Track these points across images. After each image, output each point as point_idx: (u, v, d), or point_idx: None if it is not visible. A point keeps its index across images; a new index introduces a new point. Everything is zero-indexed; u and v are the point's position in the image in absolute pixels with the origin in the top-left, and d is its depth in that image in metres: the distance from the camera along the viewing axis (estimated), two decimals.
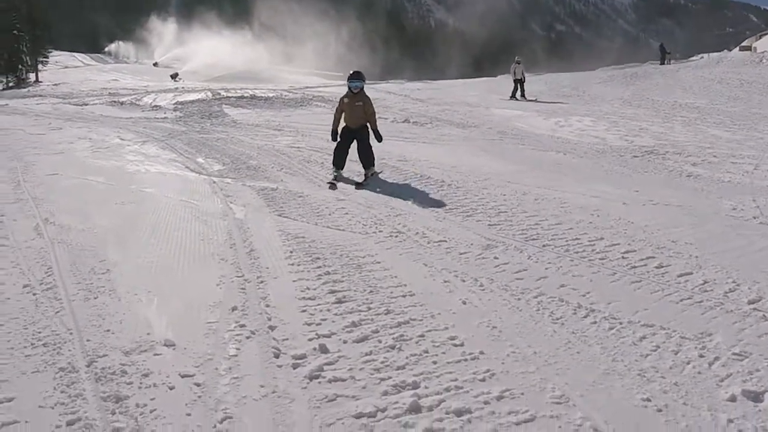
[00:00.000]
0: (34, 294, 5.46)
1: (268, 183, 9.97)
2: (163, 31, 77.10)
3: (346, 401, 3.76)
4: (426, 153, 12.83)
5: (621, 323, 4.77)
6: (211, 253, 6.54)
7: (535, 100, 24.61)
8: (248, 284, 5.63)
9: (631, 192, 9.17)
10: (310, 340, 4.55)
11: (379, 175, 10.46)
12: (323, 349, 4.38)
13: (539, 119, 18.77)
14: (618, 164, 11.69)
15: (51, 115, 22.11)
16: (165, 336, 4.61)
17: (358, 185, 9.80)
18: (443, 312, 4.99)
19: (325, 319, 4.89)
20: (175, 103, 24.86)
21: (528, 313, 4.98)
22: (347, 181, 10.00)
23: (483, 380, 3.97)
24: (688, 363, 4.18)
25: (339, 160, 10.56)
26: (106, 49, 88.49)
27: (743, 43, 53.05)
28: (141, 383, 3.99)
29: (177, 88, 33.98)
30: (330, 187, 9.64)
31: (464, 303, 5.18)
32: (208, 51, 59.33)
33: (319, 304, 5.18)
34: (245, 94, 27.27)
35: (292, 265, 6.14)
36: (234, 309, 5.10)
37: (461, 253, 6.44)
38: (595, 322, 4.79)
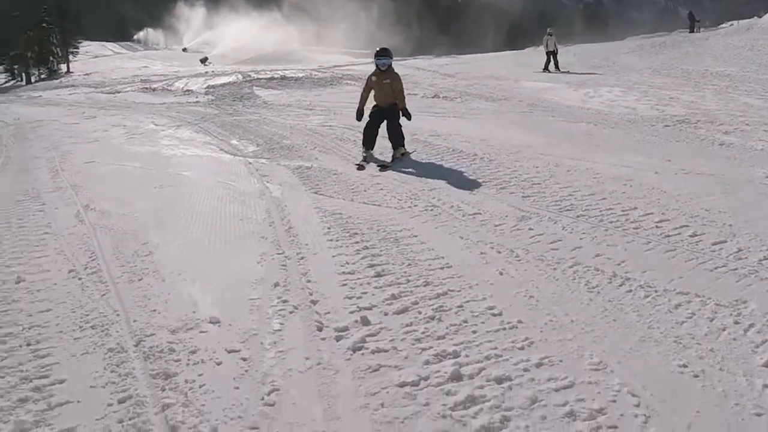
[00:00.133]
0: (80, 279, 5.62)
1: (302, 162, 10.08)
2: (191, 16, 77.13)
3: (389, 371, 3.86)
4: (457, 127, 12.86)
5: (656, 291, 4.80)
6: (251, 231, 6.67)
7: (568, 72, 24.38)
8: (289, 261, 5.75)
9: (663, 161, 9.12)
10: (351, 313, 4.66)
11: (412, 153, 10.34)
12: (365, 322, 4.48)
13: (569, 91, 18.65)
14: (649, 134, 11.63)
15: (84, 104, 22.40)
16: (210, 313, 4.74)
17: (382, 167, 9.52)
18: (480, 283, 5.08)
19: (365, 293, 5.00)
20: (207, 87, 25.04)
21: (564, 282, 5.04)
22: (378, 161, 9.88)
23: (522, 348, 4.05)
24: (724, 330, 4.21)
25: (369, 140, 10.25)
26: (135, 37, 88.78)
27: None
28: (189, 360, 4.11)
29: (207, 72, 34.15)
30: (358, 168, 9.52)
31: (501, 274, 5.25)
32: (237, 34, 59.24)
33: (358, 278, 5.28)
34: (275, 76, 27.37)
35: (331, 240, 6.25)
36: (276, 285, 5.22)
37: (496, 225, 6.50)
38: (630, 291, 4.84)
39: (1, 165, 11.50)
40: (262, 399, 3.64)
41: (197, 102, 20.93)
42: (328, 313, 4.68)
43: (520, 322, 4.39)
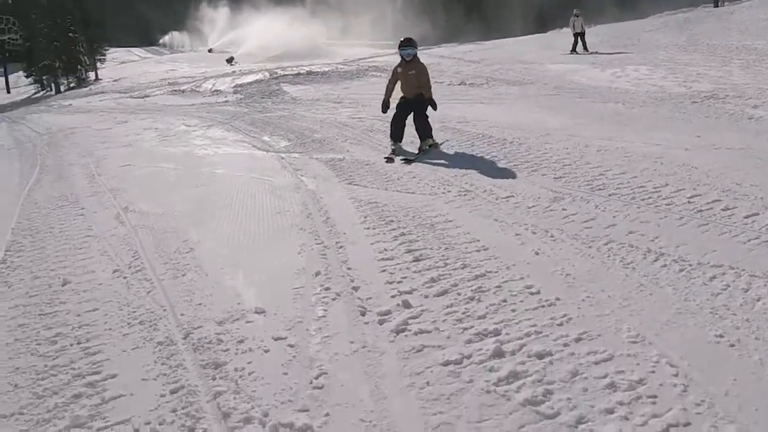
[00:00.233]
0: (125, 277, 5.76)
1: (334, 154, 10.18)
2: (215, 17, 77.24)
3: (433, 351, 3.97)
4: (485, 113, 12.91)
5: (691, 265, 4.87)
6: (289, 224, 6.80)
7: (596, 53, 24.15)
8: (328, 250, 5.87)
9: (692, 138, 9.13)
10: (392, 297, 4.77)
11: (442, 143, 10.23)
12: (406, 305, 4.60)
13: (595, 71, 18.59)
14: (678, 111, 11.61)
15: (115, 110, 22.64)
16: (255, 304, 4.87)
17: (407, 160, 9.32)
18: (517, 263, 5.17)
19: (405, 277, 5.11)
20: (235, 86, 25.21)
21: (599, 259, 5.12)
22: (406, 153, 9.82)
23: (561, 324, 4.14)
24: (758, 300, 4.27)
25: (396, 133, 10.16)
26: (161, 41, 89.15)
27: None
28: (237, 349, 4.24)
29: (234, 72, 34.32)
30: (387, 161, 9.41)
31: (537, 254, 5.34)
32: (261, 32, 59.22)
33: (397, 264, 5.40)
34: (301, 71, 27.49)
35: (368, 229, 6.37)
36: (317, 274, 5.34)
37: (529, 207, 6.58)
38: (665, 265, 4.90)
39: (37, 173, 11.67)
40: (311, 383, 3.76)
41: (226, 101, 21.10)
42: (370, 298, 4.80)
43: (557, 299, 4.49)
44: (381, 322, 4.41)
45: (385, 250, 5.75)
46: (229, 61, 48.43)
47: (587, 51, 25.29)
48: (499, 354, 3.84)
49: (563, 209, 6.42)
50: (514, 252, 5.43)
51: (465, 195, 7.22)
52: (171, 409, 3.63)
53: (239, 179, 9.05)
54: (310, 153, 10.49)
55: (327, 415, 3.44)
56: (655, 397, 3.33)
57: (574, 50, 25.63)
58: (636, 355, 3.72)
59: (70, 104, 27.79)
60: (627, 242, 5.42)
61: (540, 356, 3.79)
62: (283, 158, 10.25)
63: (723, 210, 6.04)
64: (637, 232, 5.64)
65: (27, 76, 52.77)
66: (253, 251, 6.16)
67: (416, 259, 5.44)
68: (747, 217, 5.82)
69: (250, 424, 3.43)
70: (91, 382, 4.02)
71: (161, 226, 7.20)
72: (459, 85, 18.46)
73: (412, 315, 4.46)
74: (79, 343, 4.56)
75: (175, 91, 26.66)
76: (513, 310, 4.40)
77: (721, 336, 3.85)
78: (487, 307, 4.47)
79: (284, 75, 26.86)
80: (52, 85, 49.39)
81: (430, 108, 10.18)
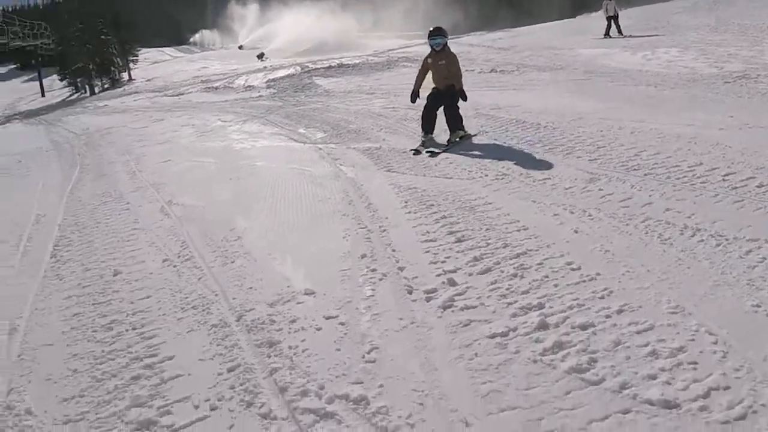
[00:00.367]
0: (175, 266, 5.97)
1: (370, 143, 10.33)
2: (245, 14, 77.48)
3: (480, 325, 4.13)
4: (517, 99, 12.98)
5: (727, 240, 4.96)
6: (332, 210, 6.96)
7: (630, 36, 23.86)
8: (372, 234, 6.04)
9: (725, 117, 9.12)
10: (437, 276, 4.93)
11: (475, 135, 10.04)
12: (451, 283, 4.76)
13: (626, 55, 18.51)
14: (710, 91, 11.59)
15: (150, 108, 22.92)
16: (304, 286, 5.05)
17: (432, 153, 9.06)
18: (557, 241, 5.30)
19: (448, 257, 5.26)
20: (267, 81, 25.40)
21: (637, 236, 5.23)
22: (438, 145, 9.59)
23: (602, 297, 4.28)
24: None
25: (427, 124, 9.95)
26: (191, 40, 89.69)
27: None
28: (290, 328, 4.43)
29: (266, 67, 34.49)
30: (414, 154, 9.19)
31: (576, 232, 5.46)
32: (292, 27, 59.28)
33: (440, 245, 5.55)
34: (332, 64, 27.60)
35: (409, 213, 6.52)
36: (363, 256, 5.52)
37: (566, 188, 6.68)
38: (702, 241, 5.00)
39: (78, 172, 11.92)
40: (363, 357, 3.93)
41: (260, 96, 21.31)
42: (416, 277, 4.96)
43: (598, 274, 4.61)
44: (428, 300, 4.57)
45: (428, 232, 5.89)
46: (260, 57, 48.66)
47: (621, 35, 24.75)
48: (543, 326, 3.98)
49: (600, 189, 6.52)
50: (554, 231, 5.55)
51: (502, 178, 7.33)
52: (229, 386, 3.81)
53: (279, 170, 9.23)
54: (346, 143, 10.64)
55: (380, 386, 3.61)
56: (695, 363, 3.45)
57: (607, 34, 25.18)
58: (676, 324, 3.84)
59: (106, 105, 28.15)
60: (664, 219, 5.51)
61: (583, 327, 3.92)
62: (320, 149, 10.41)
63: (757, 187, 6.10)
64: (674, 209, 5.73)
65: (61, 80, 53.41)
66: (298, 237, 6.35)
67: (458, 240, 5.58)
68: None
69: (307, 397, 3.59)
70: (148, 364, 4.21)
71: (206, 217, 7.41)
72: (490, 72, 18.50)
73: (458, 292, 4.62)
74: (134, 329, 4.77)
75: (209, 88, 26.94)
76: (555, 285, 4.54)
77: (758, 306, 3.95)
78: (529, 283, 4.61)
79: (315, 68, 26.99)
80: (87, 87, 49.90)
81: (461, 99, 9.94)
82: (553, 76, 16.35)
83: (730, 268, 4.49)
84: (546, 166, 7.65)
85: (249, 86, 25.06)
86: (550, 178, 7.10)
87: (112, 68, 51.55)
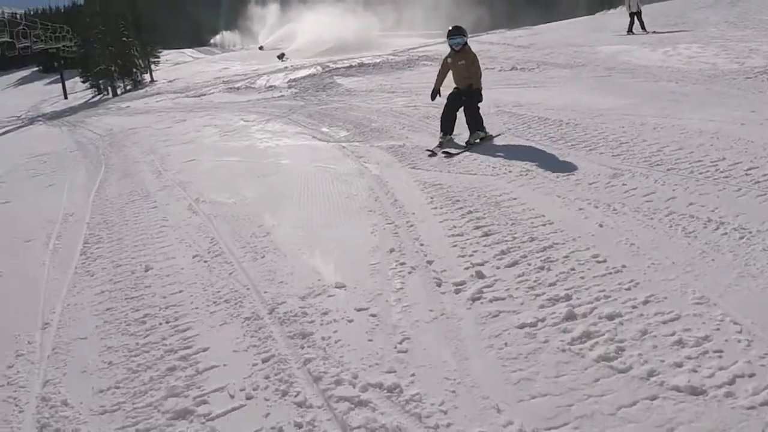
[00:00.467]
0: (205, 261, 6.11)
1: (393, 141, 10.42)
2: (265, 14, 77.79)
3: (508, 316, 4.23)
4: (538, 96, 13.02)
5: (750, 233, 5.01)
6: (359, 207, 7.08)
7: (654, 32, 23.57)
8: (399, 229, 6.14)
9: (747, 113, 9.13)
10: (466, 269, 5.03)
11: (498, 135, 9.81)
12: (480, 275, 4.86)
13: (646, 51, 18.47)
14: (731, 87, 11.59)
15: (173, 109, 23.15)
16: (334, 280, 5.18)
17: (448, 154, 8.90)
18: (583, 235, 5.37)
19: (476, 251, 5.36)
20: (289, 81, 25.55)
21: (662, 230, 5.30)
22: (456, 146, 9.40)
23: (628, 289, 4.36)
24: None
25: (446, 125, 9.77)
26: (212, 41, 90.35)
27: None
28: (322, 320, 4.55)
29: (287, 67, 34.68)
30: (430, 155, 9.03)
31: (601, 226, 5.53)
32: (312, 27, 59.40)
33: (467, 239, 5.65)
34: (353, 63, 27.72)
35: (435, 208, 6.61)
36: (392, 251, 5.62)
37: (590, 183, 6.74)
38: (725, 234, 5.06)
39: (103, 172, 12.10)
40: (395, 347, 4.04)
41: (282, 96, 21.47)
42: (444, 270, 5.06)
43: (624, 266, 4.69)
44: (457, 292, 4.68)
45: (454, 227, 5.99)
46: (281, 57, 48.92)
47: (645, 30, 24.47)
48: (571, 317, 4.08)
49: (623, 184, 6.57)
50: (579, 225, 5.63)
51: (526, 174, 7.40)
52: (264, 376, 3.94)
53: (304, 168, 9.35)
54: (369, 141, 10.74)
55: (413, 375, 3.71)
56: (721, 351, 3.52)
57: (630, 30, 24.91)
58: (701, 314, 3.92)
59: (128, 106, 28.47)
60: (687, 213, 5.57)
61: (610, 318, 4.01)
62: (344, 147, 10.52)
63: None
64: (697, 203, 5.78)
65: (83, 81, 53.86)
66: (327, 233, 6.46)
67: (485, 234, 5.68)
68: None
69: (341, 386, 3.71)
70: (183, 356, 4.35)
71: (234, 213, 7.53)
72: (510, 70, 18.54)
73: (486, 284, 4.72)
74: (167, 322, 4.91)
75: (230, 88, 27.15)
76: (582, 278, 4.62)
77: None
78: (556, 275, 4.71)
79: (336, 68, 27.10)
80: (109, 88, 50.31)
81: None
82: (573, 74, 16.37)
83: (754, 260, 4.55)
84: (569, 162, 7.71)
85: (270, 86, 25.23)
86: (573, 174, 7.16)
87: (134, 70, 51.94)
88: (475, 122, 9.60)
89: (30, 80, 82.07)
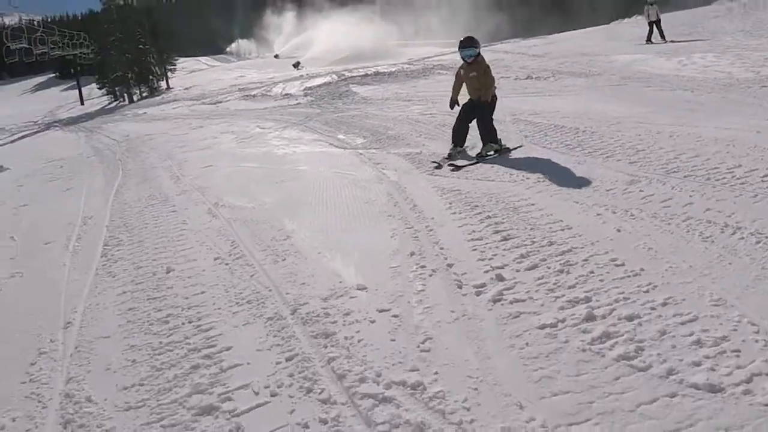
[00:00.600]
0: (226, 264, 6.22)
1: (410, 149, 10.51)
2: (281, 23, 78.05)
3: (529, 317, 4.31)
4: (554, 105, 13.06)
5: (767, 237, 5.06)
6: (378, 212, 7.18)
7: (673, 41, 23.49)
8: (419, 233, 6.23)
9: (763, 121, 9.12)
10: (486, 272, 5.12)
11: (515, 148, 9.49)
12: (500, 278, 4.94)
13: (661, 60, 18.47)
14: (747, 96, 11.58)
15: (189, 116, 23.33)
16: (356, 282, 5.28)
17: (455, 167, 8.73)
18: (601, 240, 5.44)
19: (495, 255, 5.44)
20: (305, 89, 25.71)
21: (679, 234, 5.36)
22: (467, 157, 9.29)
23: (647, 291, 4.42)
24: None
25: (458, 136, 9.57)
26: (228, 49, 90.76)
27: None
28: (344, 321, 4.64)
29: (302, 75, 34.87)
30: (435, 167, 8.88)
31: (619, 231, 5.59)
32: (328, 35, 59.58)
33: (487, 243, 5.73)
34: (368, 72, 27.93)
35: (454, 213, 6.70)
36: (412, 254, 5.71)
37: (608, 190, 6.79)
38: (742, 238, 5.10)
39: (121, 177, 12.24)
40: (418, 347, 4.12)
41: (298, 104, 21.63)
42: (465, 273, 5.15)
43: (642, 270, 4.76)
44: (478, 294, 4.76)
45: (474, 231, 6.07)
46: (296, 65, 49.12)
47: (664, 39, 24.36)
48: (591, 318, 4.15)
49: (640, 191, 6.62)
50: (597, 230, 5.70)
51: (544, 180, 7.46)
52: (288, 374, 4.03)
53: (322, 174, 9.46)
54: (386, 148, 10.83)
55: (436, 373, 3.80)
56: (738, 351, 3.59)
57: (649, 40, 24.82)
58: (719, 316, 3.98)
59: (145, 112, 28.69)
60: (705, 218, 5.62)
61: (629, 319, 4.08)
62: (361, 154, 10.63)
63: None
64: (714, 209, 5.82)
65: (100, 88, 54.26)
66: (347, 237, 6.56)
67: (504, 239, 5.75)
68: None
69: (365, 383, 3.80)
70: (207, 354, 4.44)
71: (254, 218, 7.64)
72: (525, 79, 18.60)
73: (506, 287, 4.80)
74: (190, 322, 5.02)
75: (246, 96, 27.31)
76: (601, 280, 4.69)
77: None
78: (576, 278, 4.78)
79: (352, 76, 27.28)
80: (125, 95, 50.67)
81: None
82: (589, 82, 16.40)
83: None
84: (587, 168, 7.76)
85: (286, 94, 25.38)
86: (591, 181, 7.21)
87: (150, 77, 52.34)
88: (488, 134, 9.37)
89: (47, 86, 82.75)
